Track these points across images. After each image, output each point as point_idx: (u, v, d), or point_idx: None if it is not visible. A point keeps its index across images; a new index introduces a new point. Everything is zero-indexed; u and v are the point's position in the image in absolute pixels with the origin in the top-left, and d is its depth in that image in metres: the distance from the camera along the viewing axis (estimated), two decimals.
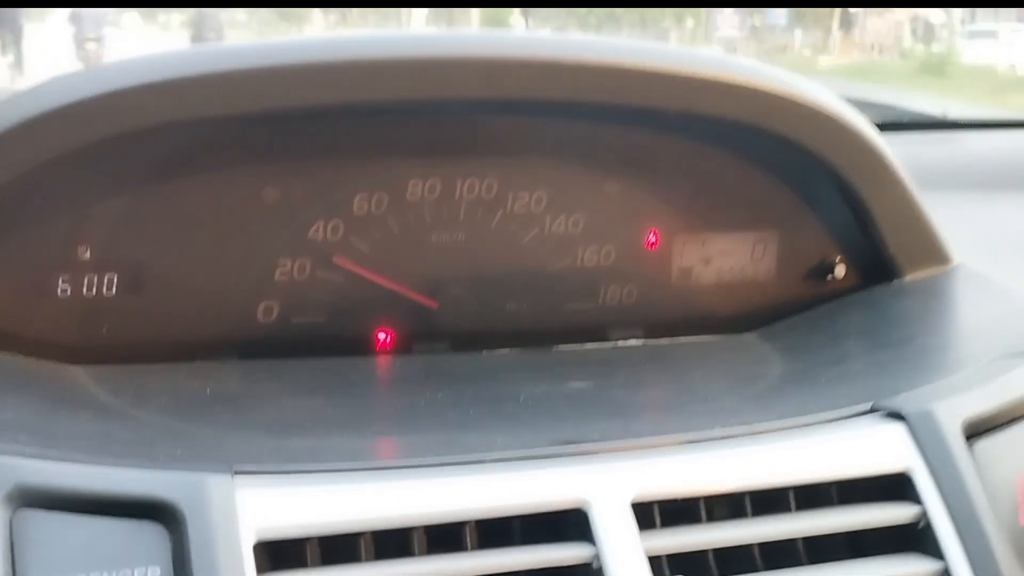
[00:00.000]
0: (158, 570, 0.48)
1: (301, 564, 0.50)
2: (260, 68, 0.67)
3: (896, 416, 0.60)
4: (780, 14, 14.30)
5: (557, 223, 0.81)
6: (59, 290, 0.73)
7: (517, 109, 0.76)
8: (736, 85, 0.74)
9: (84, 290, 0.74)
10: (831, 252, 0.85)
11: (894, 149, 1.31)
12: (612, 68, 0.71)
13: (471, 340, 0.80)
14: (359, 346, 0.78)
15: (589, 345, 0.83)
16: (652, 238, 0.83)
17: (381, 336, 0.79)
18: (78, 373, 0.71)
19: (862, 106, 1.39)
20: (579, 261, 0.82)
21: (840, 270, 0.85)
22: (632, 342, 0.83)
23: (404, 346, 0.79)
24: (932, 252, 0.84)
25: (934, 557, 0.56)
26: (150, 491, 0.49)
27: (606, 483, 0.54)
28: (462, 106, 0.74)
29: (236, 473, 0.51)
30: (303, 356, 0.77)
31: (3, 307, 0.71)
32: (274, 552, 0.50)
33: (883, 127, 1.37)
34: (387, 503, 0.52)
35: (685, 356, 0.80)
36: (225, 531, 0.49)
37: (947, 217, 1.03)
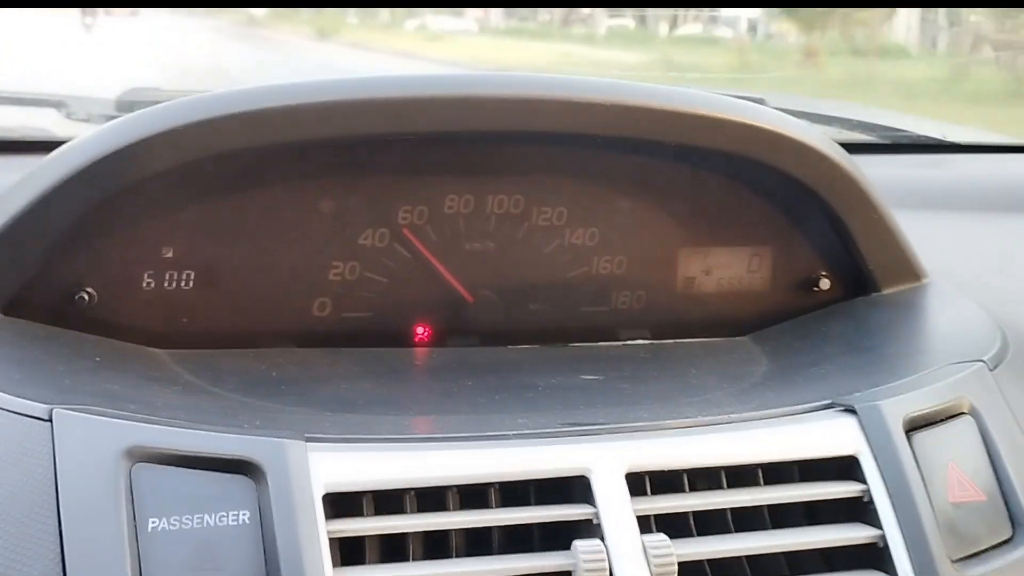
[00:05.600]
0: (248, 513, 0.60)
1: (359, 514, 0.63)
2: (328, 103, 0.79)
3: (850, 410, 0.71)
4: None
5: (576, 235, 0.92)
6: (144, 284, 0.85)
7: (542, 138, 0.87)
8: (729, 122, 0.85)
9: (166, 284, 0.86)
10: (817, 267, 0.96)
11: (893, 169, 1.42)
12: (621, 106, 0.83)
13: (498, 336, 0.91)
14: (400, 339, 0.90)
15: (601, 343, 0.94)
16: (659, 251, 0.95)
17: (419, 331, 0.91)
18: (161, 356, 0.83)
19: (865, 127, 1.49)
20: (594, 269, 0.93)
21: (825, 283, 0.96)
22: (640, 342, 0.95)
23: (439, 340, 0.91)
24: (906, 269, 0.94)
25: (875, 527, 0.67)
26: (240, 452, 0.62)
27: (605, 457, 0.66)
28: (495, 135, 0.86)
29: (308, 440, 0.63)
30: (352, 346, 0.89)
31: (99, 297, 0.84)
32: (337, 503, 0.62)
33: (883, 148, 1.48)
34: (428, 467, 0.64)
35: (684, 355, 0.91)
36: (300, 484, 0.61)
37: (932, 236, 1.13)
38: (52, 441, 0.62)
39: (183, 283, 0.86)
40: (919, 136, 1.48)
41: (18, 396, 0.65)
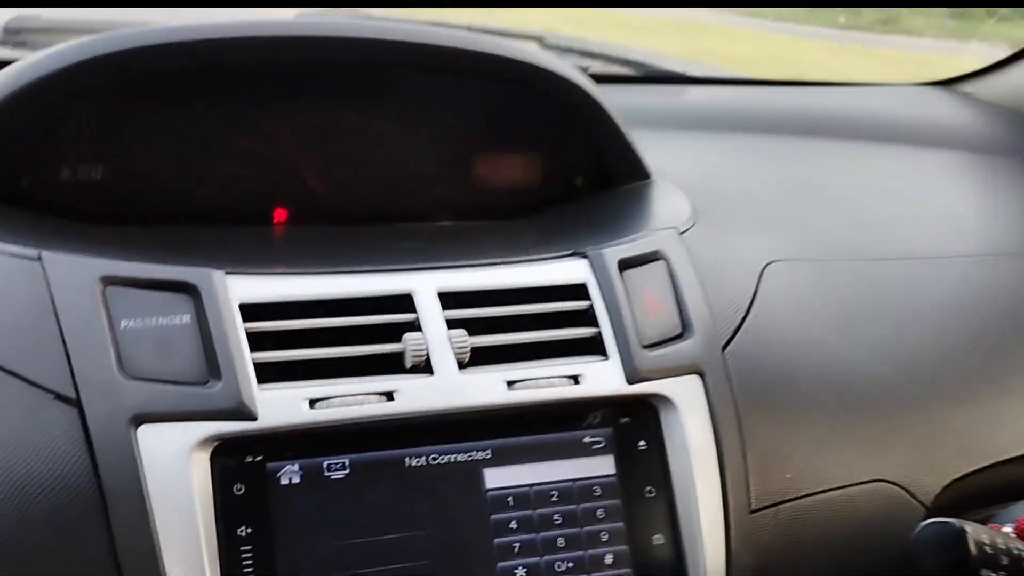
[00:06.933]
0: (188, 317, 0.90)
1: (264, 318, 0.94)
2: (218, 39, 1.07)
3: (584, 256, 1.07)
4: None
5: (400, 142, 1.23)
6: (63, 175, 1.12)
7: (373, 66, 1.18)
8: (498, 57, 1.17)
9: (80, 175, 1.12)
10: (575, 169, 1.31)
11: (645, 96, 1.78)
12: (408, 43, 1.14)
13: (341, 218, 1.22)
14: (268, 219, 1.20)
15: (419, 224, 1.27)
16: (461, 155, 1.28)
17: (283, 213, 1.21)
18: (89, 227, 1.10)
19: (624, 62, 1.85)
20: (413, 168, 1.25)
21: (580, 180, 1.31)
22: (446, 224, 1.28)
23: (298, 220, 1.21)
24: (637, 170, 1.29)
25: (595, 327, 1.03)
26: (182, 277, 0.91)
27: (424, 281, 0.99)
28: (333, 64, 1.16)
29: (227, 272, 0.94)
30: (231, 224, 1.18)
31: (34, 185, 1.10)
32: (247, 312, 0.93)
33: (638, 80, 1.85)
34: (305, 288, 0.95)
35: (478, 230, 1.25)
36: (223, 298, 0.91)
37: (666, 148, 1.50)
38: (44, 274, 0.90)
39: (94, 174, 1.13)
40: (666, 70, 1.86)
41: (12, 243, 0.92)
